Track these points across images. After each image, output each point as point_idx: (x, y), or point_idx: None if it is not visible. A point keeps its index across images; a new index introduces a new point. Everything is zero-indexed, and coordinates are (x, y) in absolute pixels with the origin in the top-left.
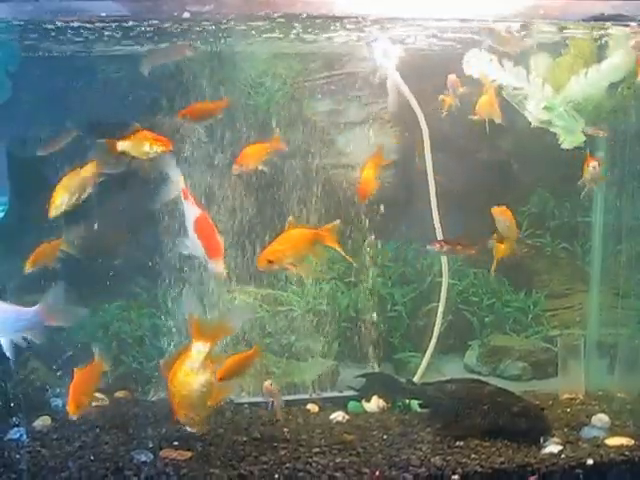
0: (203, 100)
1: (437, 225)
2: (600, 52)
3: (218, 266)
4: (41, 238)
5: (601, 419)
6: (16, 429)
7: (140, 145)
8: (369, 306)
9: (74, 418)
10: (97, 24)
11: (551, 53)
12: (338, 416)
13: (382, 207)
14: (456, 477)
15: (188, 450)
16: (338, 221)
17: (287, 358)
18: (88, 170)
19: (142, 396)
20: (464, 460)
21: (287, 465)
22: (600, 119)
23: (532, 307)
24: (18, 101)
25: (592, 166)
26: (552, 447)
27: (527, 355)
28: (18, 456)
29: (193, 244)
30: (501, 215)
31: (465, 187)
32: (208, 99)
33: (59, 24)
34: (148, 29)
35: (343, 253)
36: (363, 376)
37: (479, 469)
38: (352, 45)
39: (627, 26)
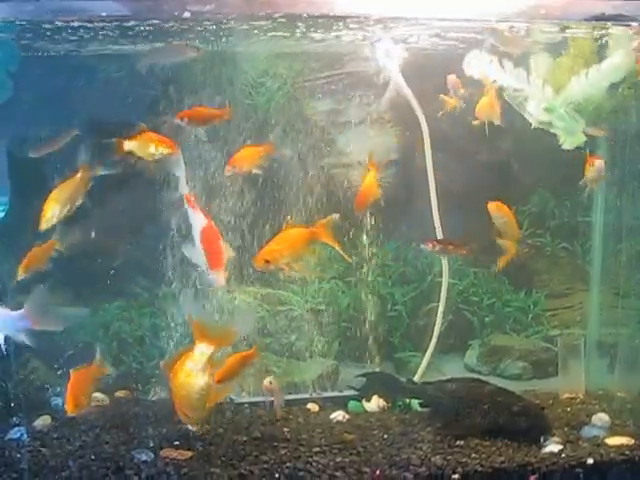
0: (203, 102)
1: (437, 225)
2: (601, 52)
3: (218, 278)
4: (42, 238)
5: (601, 418)
6: (16, 429)
7: (146, 146)
8: (369, 306)
9: (73, 416)
10: (97, 24)
11: (551, 53)
12: (338, 415)
13: (382, 207)
14: (456, 476)
15: (189, 449)
16: (335, 215)
17: (287, 357)
18: (78, 180)
19: (142, 396)
20: (464, 459)
21: (287, 464)
22: (600, 119)
23: (532, 307)
24: (18, 101)
25: (596, 164)
26: (552, 446)
27: (527, 355)
28: (19, 455)
29: (197, 253)
30: (497, 211)
31: (465, 187)
32: (209, 99)
33: (59, 24)
34: (148, 29)
35: (339, 249)
36: (363, 375)
37: (479, 468)
38: (354, 45)
39: (628, 26)
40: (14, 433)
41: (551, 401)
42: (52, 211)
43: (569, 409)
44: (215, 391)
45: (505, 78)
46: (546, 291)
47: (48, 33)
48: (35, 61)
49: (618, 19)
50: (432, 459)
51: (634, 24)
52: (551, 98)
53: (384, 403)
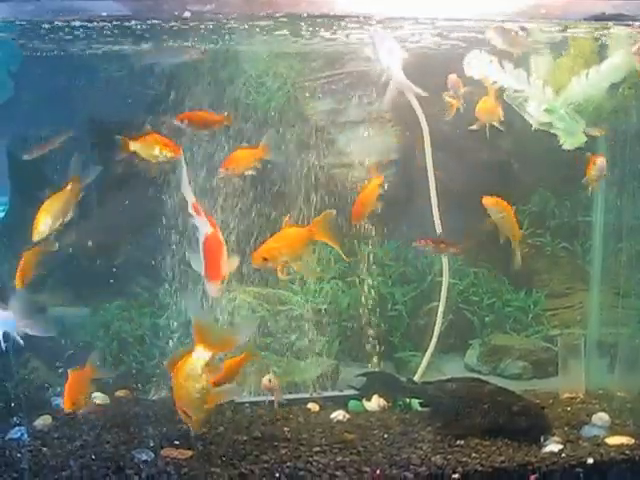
0: (204, 102)
1: (438, 225)
2: (601, 52)
3: (214, 289)
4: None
5: (601, 418)
6: (17, 428)
7: (150, 148)
8: (369, 305)
9: (73, 416)
10: (98, 23)
11: (552, 53)
12: (339, 415)
13: (383, 206)
14: (456, 476)
15: (189, 449)
16: (332, 211)
17: (288, 357)
18: (69, 191)
19: (143, 395)
20: (465, 459)
21: (288, 464)
22: (600, 119)
23: (532, 306)
24: (19, 100)
25: (598, 162)
26: (552, 446)
27: (527, 354)
28: (19, 455)
29: (198, 261)
30: (494, 206)
31: (466, 186)
32: (209, 99)
33: (59, 23)
34: (149, 28)
35: (336, 246)
36: (364, 375)
37: (479, 468)
38: (355, 44)
39: (628, 26)
40: (15, 433)
41: (551, 401)
42: (44, 223)
43: (569, 409)
44: (214, 394)
45: (505, 79)
46: (546, 291)
47: (48, 33)
48: (35, 61)
49: (618, 19)
50: (432, 459)
51: (635, 24)
52: (551, 99)
53: (384, 403)
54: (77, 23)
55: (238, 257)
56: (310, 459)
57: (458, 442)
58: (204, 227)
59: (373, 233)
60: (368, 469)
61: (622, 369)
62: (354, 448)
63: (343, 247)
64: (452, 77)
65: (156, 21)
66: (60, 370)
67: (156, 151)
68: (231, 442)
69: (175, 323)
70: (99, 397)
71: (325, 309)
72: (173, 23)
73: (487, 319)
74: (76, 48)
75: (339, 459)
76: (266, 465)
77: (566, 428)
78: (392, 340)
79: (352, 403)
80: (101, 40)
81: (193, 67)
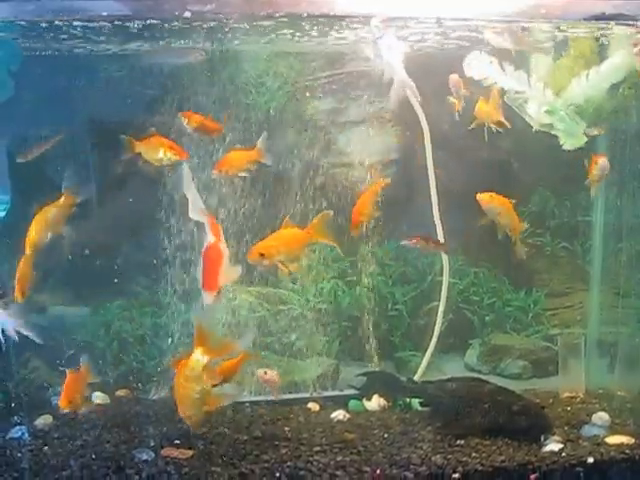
0: (204, 105)
1: (438, 224)
2: (601, 52)
3: (208, 298)
4: None
5: (601, 417)
6: (18, 428)
7: (155, 151)
8: (370, 305)
9: (73, 416)
10: (98, 23)
11: (552, 54)
12: (339, 415)
13: (383, 206)
14: (457, 475)
15: (189, 449)
16: (329, 212)
17: (288, 357)
18: (61, 204)
19: (143, 395)
20: (465, 458)
21: (288, 464)
22: (601, 119)
23: (532, 306)
24: (19, 100)
25: (600, 162)
26: (553, 445)
27: (527, 354)
28: (20, 454)
29: (198, 269)
30: (489, 201)
31: (466, 186)
32: (209, 99)
33: (59, 23)
34: (149, 28)
35: (334, 244)
36: (364, 375)
37: (480, 467)
38: (356, 43)
39: (629, 25)
40: (15, 432)
41: (551, 400)
42: (38, 235)
43: (569, 408)
44: (212, 397)
45: (505, 80)
46: (546, 290)
47: (48, 32)
48: (36, 60)
49: (619, 18)
50: (432, 458)
51: (635, 23)
52: (552, 100)
53: (385, 402)
54: (77, 23)
55: (240, 267)
56: (310, 459)
57: (458, 442)
58: (207, 237)
59: (373, 233)
60: (368, 469)
61: (622, 368)
62: (354, 448)
63: (343, 246)
64: (453, 77)
65: (156, 21)
66: (61, 370)
67: (160, 154)
68: (231, 442)
69: (176, 323)
70: (99, 397)
71: (325, 309)
72: (174, 23)
73: (487, 319)
74: (76, 48)
75: (339, 459)
76: (266, 465)
77: (566, 427)
78: (392, 340)
79: (352, 403)
80: (101, 40)
81: (194, 67)
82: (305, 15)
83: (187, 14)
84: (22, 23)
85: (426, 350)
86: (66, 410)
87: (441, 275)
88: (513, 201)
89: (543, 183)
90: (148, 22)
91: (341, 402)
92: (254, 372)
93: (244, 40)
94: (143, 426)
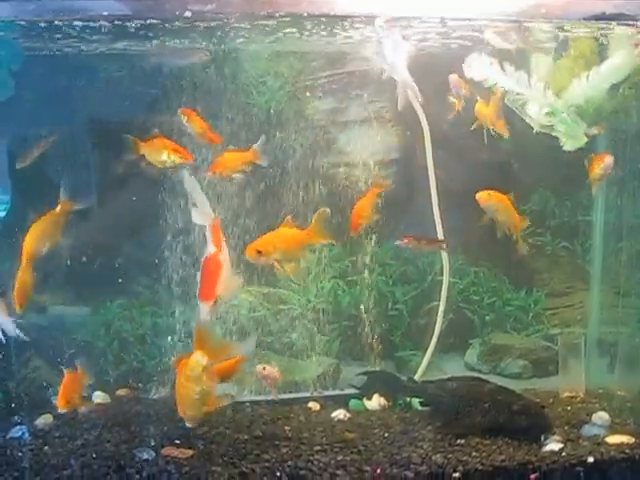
0: (204, 105)
1: (438, 224)
2: (602, 52)
3: (204, 310)
4: None
5: (601, 417)
6: (18, 427)
7: (159, 153)
8: (370, 304)
9: (74, 415)
10: (98, 23)
11: (552, 55)
12: (339, 414)
13: (382, 206)
14: (457, 475)
15: (190, 448)
16: (326, 210)
17: (288, 356)
18: (57, 214)
19: (144, 394)
20: (465, 458)
21: (289, 463)
22: (601, 119)
23: (533, 305)
24: (20, 99)
25: (605, 160)
26: (553, 445)
27: (528, 353)
28: (20, 454)
29: (197, 275)
30: (487, 200)
31: (466, 186)
32: (210, 98)
33: (59, 23)
34: (149, 28)
35: (333, 243)
36: (364, 374)
37: (480, 467)
38: (361, 43)
39: (630, 25)
40: (16, 432)
41: (551, 400)
42: (35, 246)
43: (569, 408)
44: (214, 397)
45: (506, 81)
46: (546, 290)
47: (49, 32)
48: (36, 60)
49: (619, 18)
50: (433, 458)
51: (636, 23)
52: (552, 101)
53: (385, 402)
54: (78, 23)
55: (241, 279)
56: (311, 458)
57: (458, 441)
58: (208, 247)
59: (373, 232)
60: (369, 468)
61: (622, 368)
62: (355, 447)
63: (343, 246)
64: (453, 77)
65: (156, 21)
66: (61, 370)
67: (164, 156)
68: (232, 441)
69: (176, 323)
70: (100, 396)
71: (325, 308)
72: (174, 23)
73: (487, 318)
74: (76, 48)
75: (340, 458)
76: (267, 464)
77: (566, 427)
78: (393, 339)
79: (353, 402)
80: (102, 39)
81: (195, 67)
82: (305, 15)
83: (187, 14)
84: (22, 23)
85: (426, 349)
86: (64, 410)
87: (441, 275)
88: (510, 196)
89: (543, 183)
90: (148, 22)
91: (341, 401)
92: (254, 372)
93: (249, 39)
94: (143, 425)
